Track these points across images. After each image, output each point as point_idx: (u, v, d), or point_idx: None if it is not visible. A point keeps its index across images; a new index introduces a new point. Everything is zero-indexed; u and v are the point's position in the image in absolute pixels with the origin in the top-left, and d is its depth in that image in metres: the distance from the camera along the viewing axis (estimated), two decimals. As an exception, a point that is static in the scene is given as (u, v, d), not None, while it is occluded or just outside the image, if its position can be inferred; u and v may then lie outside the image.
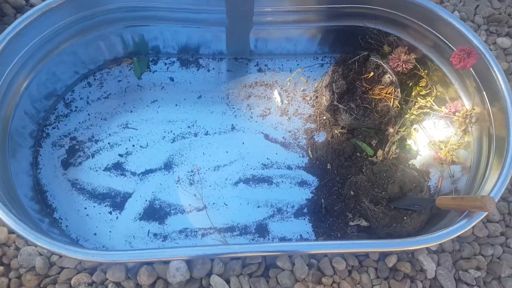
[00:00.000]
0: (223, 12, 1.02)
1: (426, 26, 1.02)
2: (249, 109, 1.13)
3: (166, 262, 0.88)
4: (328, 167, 1.08)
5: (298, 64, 1.19)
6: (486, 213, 0.85)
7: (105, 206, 0.99)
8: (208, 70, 1.16)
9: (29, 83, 0.95)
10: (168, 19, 1.05)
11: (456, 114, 1.02)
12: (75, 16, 0.96)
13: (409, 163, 1.09)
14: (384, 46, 1.08)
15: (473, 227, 1.02)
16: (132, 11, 1.02)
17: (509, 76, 1.19)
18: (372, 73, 1.06)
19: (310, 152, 1.10)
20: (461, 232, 0.82)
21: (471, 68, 0.98)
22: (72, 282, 0.88)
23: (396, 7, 1.02)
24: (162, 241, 0.97)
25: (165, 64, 1.15)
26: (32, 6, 1.15)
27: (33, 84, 0.97)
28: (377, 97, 1.05)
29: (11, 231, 0.91)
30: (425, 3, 0.98)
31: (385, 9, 1.04)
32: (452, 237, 0.83)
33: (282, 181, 1.06)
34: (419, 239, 0.83)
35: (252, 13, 1.03)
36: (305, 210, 1.04)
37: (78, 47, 1.03)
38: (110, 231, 0.96)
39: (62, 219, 0.96)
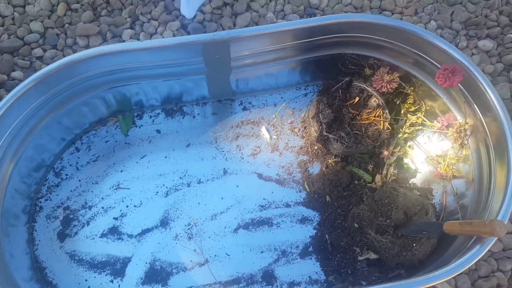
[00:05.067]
0: (201, 62, 1.02)
1: (404, 46, 1.00)
2: (239, 150, 1.11)
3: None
4: (327, 199, 1.05)
5: (281, 97, 1.17)
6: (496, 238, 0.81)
7: (106, 275, 0.96)
8: (194, 117, 1.15)
9: (17, 161, 0.95)
10: (148, 77, 1.04)
11: (450, 129, 0.99)
12: (54, 90, 0.96)
13: (410, 182, 1.06)
14: (365, 69, 1.06)
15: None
16: (110, 74, 1.01)
17: (496, 78, 1.16)
18: (357, 98, 1.04)
19: (306, 186, 1.07)
20: (476, 259, 0.79)
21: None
22: None
23: (372, 32, 1.00)
24: (168, 303, 0.94)
25: (150, 117, 1.14)
26: (13, 79, 1.15)
27: (21, 161, 0.96)
28: (366, 121, 1.02)
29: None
30: (400, 25, 0.96)
31: (362, 35, 1.02)
32: (469, 265, 0.80)
33: (282, 221, 1.04)
34: (436, 274, 0.80)
35: (230, 59, 1.02)
36: (310, 249, 1.01)
37: (62, 116, 1.02)
38: (113, 301, 0.94)
39: (64, 295, 0.95)
